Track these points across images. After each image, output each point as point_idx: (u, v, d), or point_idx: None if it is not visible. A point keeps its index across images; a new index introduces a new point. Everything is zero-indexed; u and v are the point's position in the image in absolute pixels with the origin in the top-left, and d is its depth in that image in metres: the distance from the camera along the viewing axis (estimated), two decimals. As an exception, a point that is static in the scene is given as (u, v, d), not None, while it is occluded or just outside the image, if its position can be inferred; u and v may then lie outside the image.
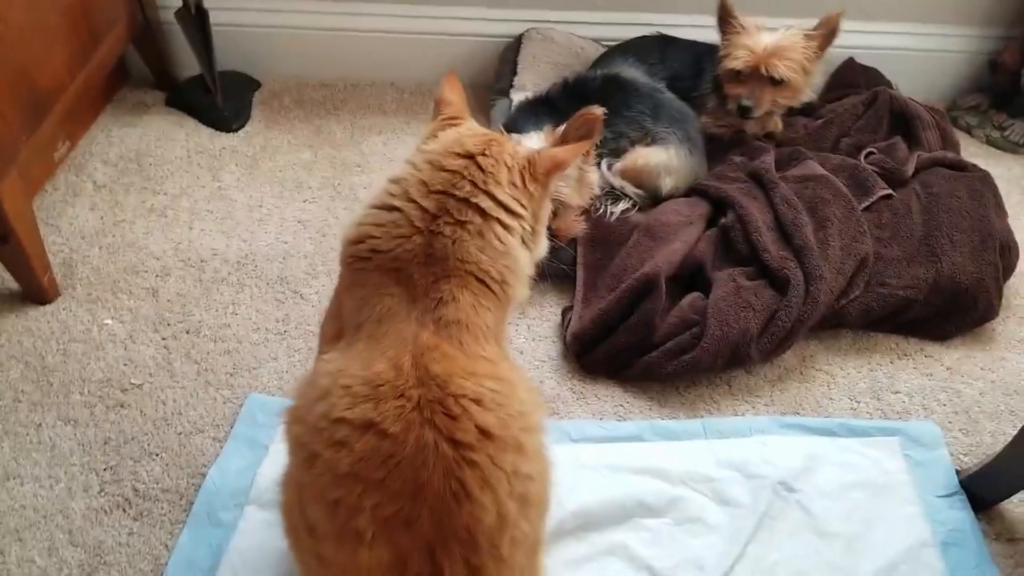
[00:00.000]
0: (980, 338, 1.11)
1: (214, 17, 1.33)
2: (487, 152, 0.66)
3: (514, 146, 0.68)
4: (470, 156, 0.65)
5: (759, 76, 1.19)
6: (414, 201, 0.63)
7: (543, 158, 0.68)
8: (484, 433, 0.57)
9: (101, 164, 1.31)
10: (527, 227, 0.67)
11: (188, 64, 1.40)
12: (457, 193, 0.63)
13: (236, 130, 1.38)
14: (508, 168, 0.66)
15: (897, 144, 1.25)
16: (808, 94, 1.27)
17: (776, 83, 1.20)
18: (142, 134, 1.37)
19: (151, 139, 1.36)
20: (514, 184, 0.66)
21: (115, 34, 1.28)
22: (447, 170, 0.64)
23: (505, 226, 0.65)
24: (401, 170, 0.66)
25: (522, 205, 0.66)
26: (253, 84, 1.46)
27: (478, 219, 0.64)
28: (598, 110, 1.03)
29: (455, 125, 0.69)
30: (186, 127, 1.39)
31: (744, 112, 1.22)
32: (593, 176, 1.14)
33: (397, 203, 0.64)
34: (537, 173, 0.67)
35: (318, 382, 0.61)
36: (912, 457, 0.94)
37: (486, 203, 0.64)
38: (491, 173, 0.65)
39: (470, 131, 0.68)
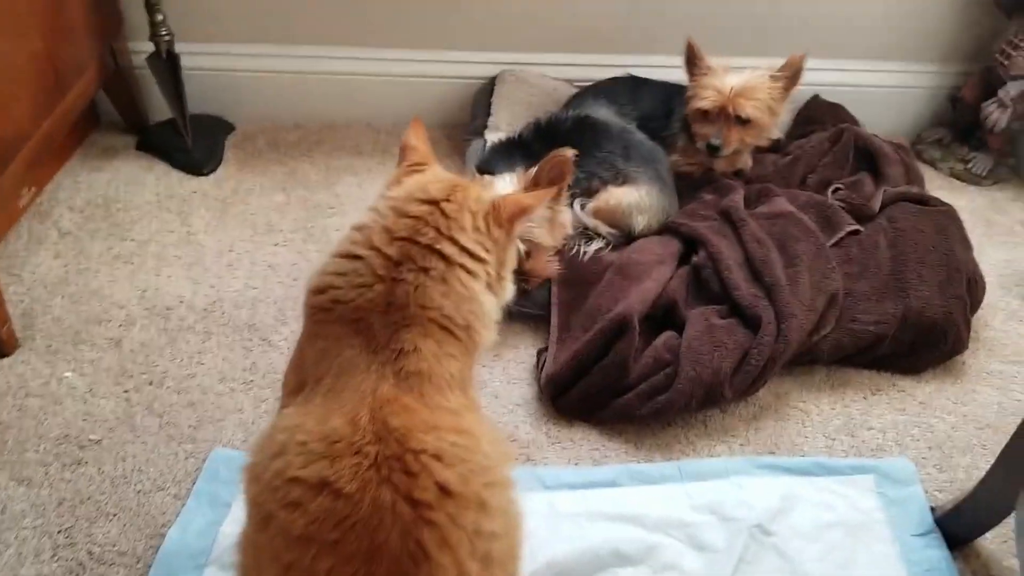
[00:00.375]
0: (951, 371, 1.12)
1: (187, 61, 1.35)
2: (451, 198, 0.66)
3: (479, 191, 0.68)
4: (434, 202, 0.65)
5: (726, 116, 1.22)
6: (377, 249, 0.63)
7: (508, 204, 0.68)
8: (444, 491, 0.56)
9: (67, 211, 1.29)
10: (492, 272, 0.67)
11: (159, 108, 1.40)
12: (420, 240, 0.63)
13: (207, 174, 1.37)
14: (472, 214, 0.66)
15: (863, 180, 1.28)
16: (775, 132, 1.30)
17: (743, 122, 1.23)
18: (110, 179, 1.36)
19: (120, 184, 1.35)
20: (478, 229, 0.66)
21: (84, 81, 1.28)
22: (411, 216, 0.64)
23: (469, 272, 0.65)
24: (365, 217, 0.66)
25: (486, 250, 0.66)
26: (226, 127, 1.47)
27: (441, 265, 0.63)
28: (568, 152, 1.05)
29: (420, 171, 0.69)
30: (156, 171, 1.38)
31: (713, 151, 1.25)
32: (566, 217, 1.15)
33: (360, 251, 0.64)
34: (502, 219, 0.67)
35: (275, 438, 0.59)
36: (887, 495, 0.94)
37: (450, 249, 0.64)
38: (455, 219, 0.65)
39: (435, 177, 0.69)
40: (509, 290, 0.71)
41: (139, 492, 0.90)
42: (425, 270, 0.62)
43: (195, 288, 1.17)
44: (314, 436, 0.57)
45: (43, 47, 1.16)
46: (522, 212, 0.68)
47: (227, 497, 0.89)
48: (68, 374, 1.03)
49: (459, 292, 0.63)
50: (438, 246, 0.63)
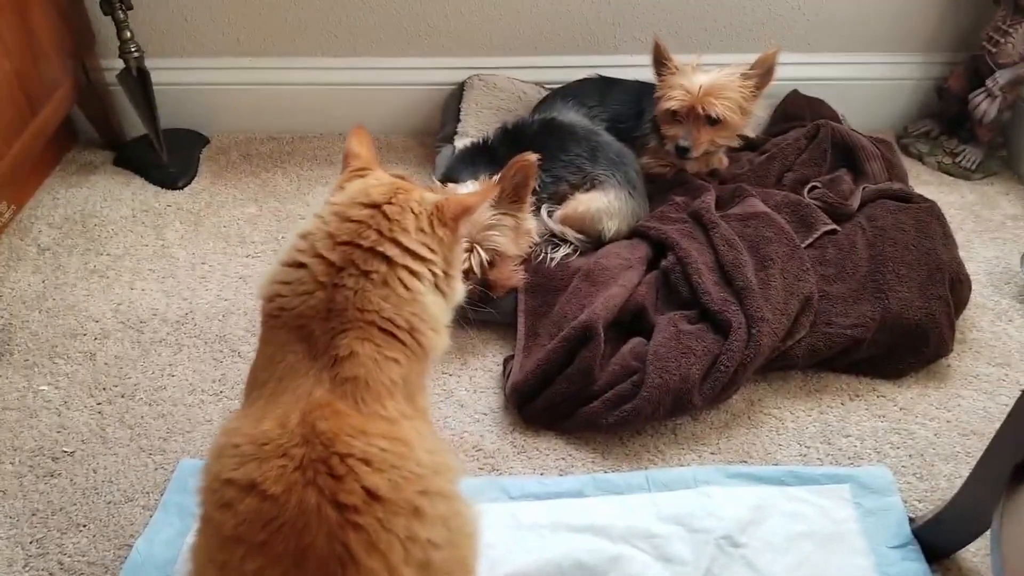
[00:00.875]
0: (934, 375, 1.12)
1: (159, 77, 1.41)
2: (393, 200, 0.69)
3: (422, 193, 0.72)
4: (376, 205, 0.68)
5: (696, 116, 1.23)
6: (320, 255, 0.66)
7: (451, 203, 0.71)
8: (372, 495, 0.58)
9: (46, 227, 1.37)
10: (439, 272, 0.70)
11: (136, 123, 1.47)
12: (363, 243, 0.66)
13: (182, 187, 1.44)
14: (415, 215, 0.69)
15: (841, 177, 1.29)
16: (748, 131, 1.31)
17: (713, 122, 1.24)
18: (88, 195, 1.43)
19: (97, 199, 1.42)
20: (422, 230, 0.69)
21: (57, 99, 1.35)
22: (352, 220, 0.67)
23: (413, 272, 0.68)
24: (310, 224, 0.69)
25: (431, 250, 0.69)
26: (201, 140, 1.53)
27: (384, 267, 0.66)
28: (531, 156, 1.09)
29: (362, 176, 0.73)
30: (132, 186, 1.45)
31: (682, 153, 1.26)
32: (530, 224, 1.18)
33: (303, 259, 0.67)
34: (446, 218, 0.70)
35: (218, 441, 0.64)
36: (863, 505, 0.95)
37: (392, 251, 0.67)
38: (397, 221, 0.68)
39: (377, 180, 0.72)
40: (459, 290, 0.74)
41: (109, 503, 0.96)
42: (367, 274, 0.65)
43: (168, 301, 1.23)
44: (247, 439, 0.60)
45: (11, 67, 1.23)
46: (465, 211, 0.71)
47: (194, 508, 0.93)
48: (44, 387, 1.09)
49: (401, 294, 0.66)
50: (380, 248, 0.66)
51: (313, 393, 0.62)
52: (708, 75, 1.23)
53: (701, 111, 1.22)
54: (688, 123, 1.24)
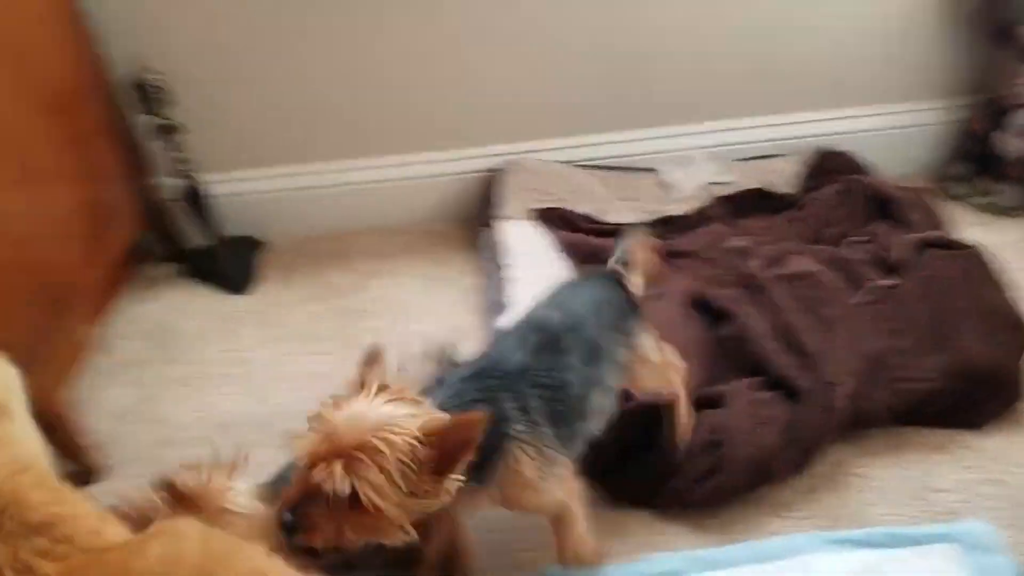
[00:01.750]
0: (1015, 421, 1.05)
1: (218, 189, 1.43)
2: None
3: None
4: None
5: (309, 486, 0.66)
6: None
7: None
8: None
9: (121, 341, 1.35)
10: None
11: (197, 234, 1.47)
12: None
13: (247, 292, 1.42)
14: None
15: (882, 230, 1.24)
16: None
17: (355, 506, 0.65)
18: (159, 308, 1.42)
19: (167, 312, 1.41)
20: None
21: (124, 222, 1.37)
22: None
23: None
24: None
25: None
26: (261, 245, 1.53)
27: None
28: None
29: None
30: (199, 295, 1.43)
31: (286, 531, 0.68)
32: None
33: None
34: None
35: None
36: (973, 564, 0.87)
37: None
38: None
39: None
40: None
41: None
42: None
43: (248, 402, 1.19)
44: None
45: (85, 197, 1.26)
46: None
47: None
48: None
49: None
50: None
51: None
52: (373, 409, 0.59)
53: (327, 478, 0.59)
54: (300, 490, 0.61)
